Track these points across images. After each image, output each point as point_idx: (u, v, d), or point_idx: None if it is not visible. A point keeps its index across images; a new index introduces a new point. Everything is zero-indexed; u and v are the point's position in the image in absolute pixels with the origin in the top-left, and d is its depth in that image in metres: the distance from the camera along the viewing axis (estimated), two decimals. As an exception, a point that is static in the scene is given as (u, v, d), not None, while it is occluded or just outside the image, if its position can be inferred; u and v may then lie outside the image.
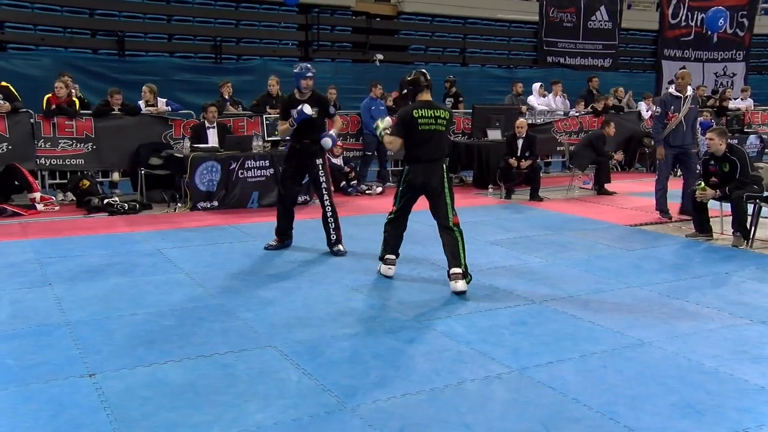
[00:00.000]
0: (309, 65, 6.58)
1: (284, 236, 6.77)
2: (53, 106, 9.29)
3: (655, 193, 8.70)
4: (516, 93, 13.14)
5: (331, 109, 6.78)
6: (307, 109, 6.34)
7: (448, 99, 12.78)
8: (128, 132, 9.66)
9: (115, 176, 9.95)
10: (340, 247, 6.52)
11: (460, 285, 5.31)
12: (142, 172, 9.26)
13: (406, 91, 5.70)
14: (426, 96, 5.53)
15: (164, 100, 10.25)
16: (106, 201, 8.74)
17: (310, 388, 3.67)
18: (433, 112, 5.45)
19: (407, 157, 5.58)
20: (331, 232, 6.55)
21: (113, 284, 5.53)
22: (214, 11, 15.15)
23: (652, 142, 9.73)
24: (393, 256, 5.78)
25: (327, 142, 6.51)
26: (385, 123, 5.78)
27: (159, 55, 14.38)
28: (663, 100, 8.53)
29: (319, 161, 6.56)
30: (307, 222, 7.53)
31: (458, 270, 5.35)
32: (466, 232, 7.62)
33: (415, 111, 5.42)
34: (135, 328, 4.54)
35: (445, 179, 5.51)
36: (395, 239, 5.77)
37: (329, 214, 6.54)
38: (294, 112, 6.38)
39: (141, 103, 9.95)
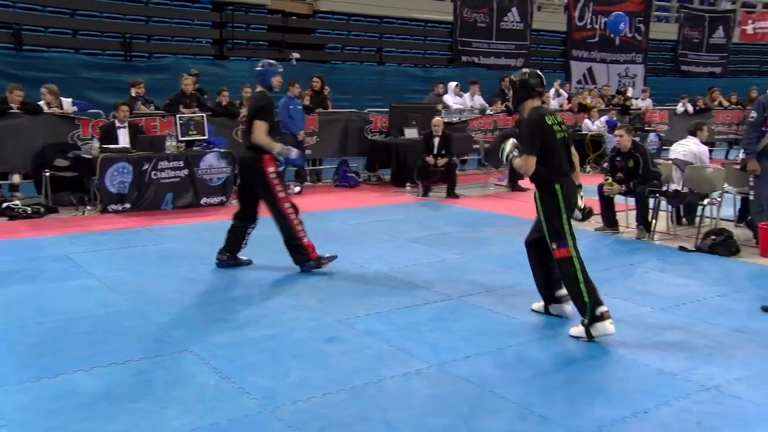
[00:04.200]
0: (275, 62, 6.01)
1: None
2: None
3: (753, 217, 7.28)
4: (437, 93, 13.33)
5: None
6: (298, 156, 6.12)
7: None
8: (30, 132, 9.15)
9: (16, 178, 9.40)
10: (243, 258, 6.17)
11: None
12: (47, 174, 8.83)
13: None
14: (538, 102, 4.76)
15: (69, 99, 9.78)
16: (5, 205, 8.28)
17: (229, 392, 3.61)
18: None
19: (554, 173, 4.62)
20: (244, 243, 6.15)
21: (16, 292, 5.25)
22: (122, 7, 14.58)
23: (740, 156, 7.56)
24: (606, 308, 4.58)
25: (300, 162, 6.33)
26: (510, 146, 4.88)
27: (62, 51, 13.70)
28: (762, 104, 7.01)
29: None
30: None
31: None
32: (385, 230, 7.73)
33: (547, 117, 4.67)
34: (41, 337, 4.34)
35: None
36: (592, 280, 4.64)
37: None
38: (288, 152, 5.89)
39: (42, 104, 9.44)
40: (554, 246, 4.58)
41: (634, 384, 3.77)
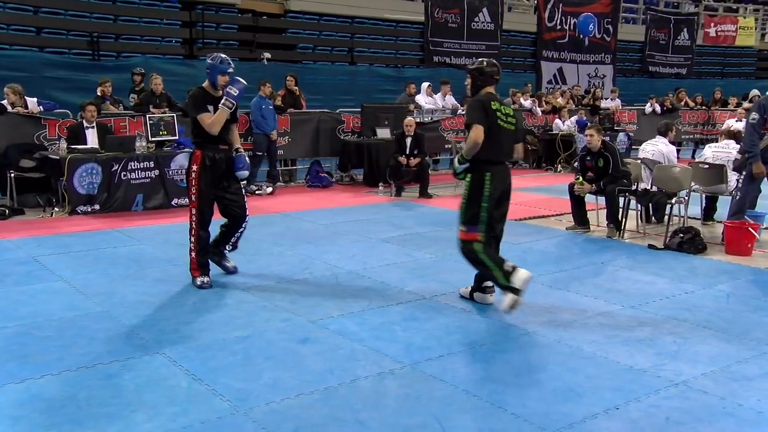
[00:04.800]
0: (228, 58, 5.53)
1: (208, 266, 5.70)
2: None
3: (730, 216, 7.08)
4: (409, 93, 13.36)
5: (238, 113, 5.85)
6: (240, 84, 5.41)
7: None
8: (-8, 132, 8.96)
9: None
10: (232, 263, 5.88)
11: None
12: (12, 174, 8.65)
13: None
14: (491, 89, 4.96)
15: (34, 99, 9.58)
16: (-31, 206, 8.11)
17: (201, 394, 3.57)
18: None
19: (485, 160, 4.85)
20: (230, 245, 5.81)
21: (-19, 296, 5.14)
22: (88, 5, 14.35)
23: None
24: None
25: (244, 174, 5.61)
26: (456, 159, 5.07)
27: (26, 49, 13.42)
28: (762, 105, 6.88)
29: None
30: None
31: None
32: (357, 230, 7.71)
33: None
34: (5, 342, 4.24)
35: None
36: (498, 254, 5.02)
37: (242, 230, 5.76)
38: (232, 90, 5.35)
39: (6, 104, 9.23)
40: (464, 228, 4.90)
41: (605, 381, 3.82)
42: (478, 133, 4.70)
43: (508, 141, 4.93)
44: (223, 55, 5.55)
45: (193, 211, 5.49)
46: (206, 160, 5.41)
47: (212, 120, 5.39)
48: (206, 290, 5.38)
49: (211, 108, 5.43)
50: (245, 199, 5.75)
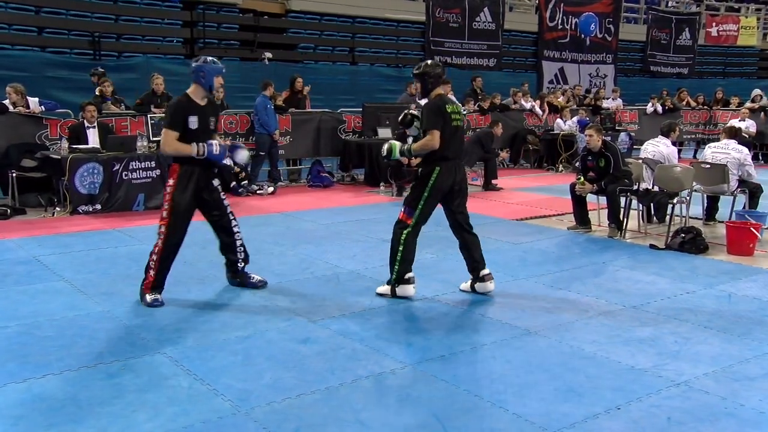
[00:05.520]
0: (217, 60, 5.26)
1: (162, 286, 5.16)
2: None
3: None
4: (410, 93, 13.34)
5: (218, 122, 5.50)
6: (220, 151, 5.06)
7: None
8: (-7, 131, 8.96)
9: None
10: (257, 276, 5.54)
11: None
12: (13, 174, 8.66)
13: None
14: (441, 90, 5.23)
15: (36, 99, 9.59)
16: (-29, 206, 8.12)
17: (202, 394, 3.57)
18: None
19: (437, 157, 5.11)
20: (240, 260, 5.46)
21: (-18, 296, 5.14)
22: (90, 4, 14.35)
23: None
24: (413, 274, 5.21)
25: (243, 154, 5.39)
26: (398, 145, 5.38)
27: (28, 48, 13.43)
28: None
29: (216, 182, 5.26)
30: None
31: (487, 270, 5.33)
32: (358, 229, 7.71)
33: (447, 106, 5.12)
34: (6, 342, 4.24)
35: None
36: (414, 253, 5.22)
37: (239, 241, 5.42)
38: (214, 146, 5.00)
39: (7, 103, 9.22)
40: (402, 209, 5.24)
41: (606, 381, 3.82)
42: (435, 138, 5.00)
43: (459, 139, 5.27)
44: (212, 58, 5.24)
45: (162, 229, 4.99)
46: (184, 173, 5.02)
47: (174, 146, 4.97)
48: (206, 291, 5.38)
49: (194, 119, 4.98)
50: (228, 207, 5.33)
